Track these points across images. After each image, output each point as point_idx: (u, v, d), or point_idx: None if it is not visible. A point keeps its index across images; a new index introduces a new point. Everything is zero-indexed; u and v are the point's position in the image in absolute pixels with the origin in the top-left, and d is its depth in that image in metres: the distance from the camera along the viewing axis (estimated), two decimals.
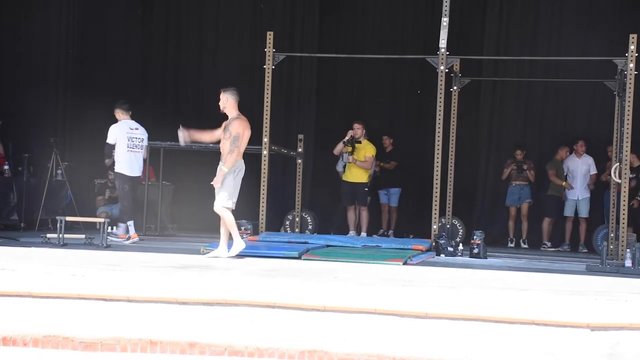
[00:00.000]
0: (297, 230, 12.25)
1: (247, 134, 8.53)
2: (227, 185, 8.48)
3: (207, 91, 14.73)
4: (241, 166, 8.60)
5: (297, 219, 12.36)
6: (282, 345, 5.38)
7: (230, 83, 14.12)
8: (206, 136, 8.81)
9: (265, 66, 10.98)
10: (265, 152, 10.92)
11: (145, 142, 10.79)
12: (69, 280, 6.00)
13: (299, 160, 12.46)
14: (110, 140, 10.45)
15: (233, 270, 7.18)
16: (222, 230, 8.59)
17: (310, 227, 12.52)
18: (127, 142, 10.50)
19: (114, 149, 10.49)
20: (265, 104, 10.93)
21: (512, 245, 13.04)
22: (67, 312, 5.63)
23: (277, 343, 5.39)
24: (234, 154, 8.41)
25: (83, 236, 9.75)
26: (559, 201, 12.88)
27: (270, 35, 11.00)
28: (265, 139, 10.89)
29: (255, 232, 10.90)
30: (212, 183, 8.55)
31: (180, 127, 8.66)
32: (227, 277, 6.61)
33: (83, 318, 5.61)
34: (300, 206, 12.37)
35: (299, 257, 8.81)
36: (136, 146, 10.60)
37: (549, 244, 12.76)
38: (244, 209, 12.68)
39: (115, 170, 10.67)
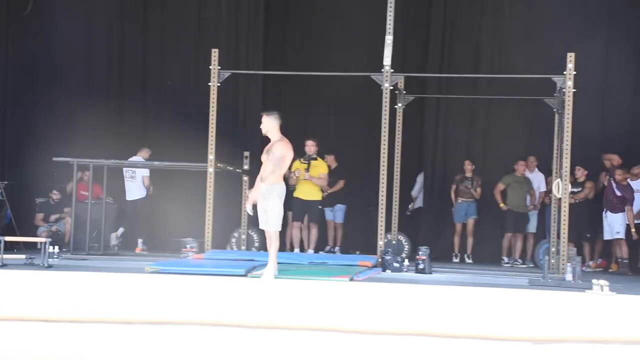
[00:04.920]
0: (243, 248, 12.20)
1: (289, 155, 8.59)
2: (277, 209, 8.50)
3: (154, 109, 14.58)
4: (284, 189, 8.62)
5: (243, 237, 12.31)
6: None
7: (176, 100, 14.26)
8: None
9: (210, 83, 10.96)
10: (210, 170, 10.87)
11: (139, 172, 12.72)
12: (7, 301, 5.87)
13: (245, 178, 12.42)
14: None
15: (176, 289, 7.12)
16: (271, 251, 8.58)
17: (256, 244, 12.46)
18: (124, 174, 12.80)
19: None
20: (210, 121, 10.89)
21: (457, 260, 13.16)
22: (7, 336, 5.50)
23: None
24: (275, 173, 8.44)
25: (24, 256, 9.59)
26: (516, 216, 12.87)
27: (215, 53, 10.98)
28: (211, 157, 10.85)
29: (201, 249, 10.84)
30: (249, 201, 8.56)
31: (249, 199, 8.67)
32: (170, 296, 6.55)
33: (22, 341, 5.48)
34: (246, 224, 12.32)
35: (245, 275, 8.77)
36: (130, 177, 12.77)
37: (506, 259, 12.89)
38: (190, 227, 12.63)
39: None
